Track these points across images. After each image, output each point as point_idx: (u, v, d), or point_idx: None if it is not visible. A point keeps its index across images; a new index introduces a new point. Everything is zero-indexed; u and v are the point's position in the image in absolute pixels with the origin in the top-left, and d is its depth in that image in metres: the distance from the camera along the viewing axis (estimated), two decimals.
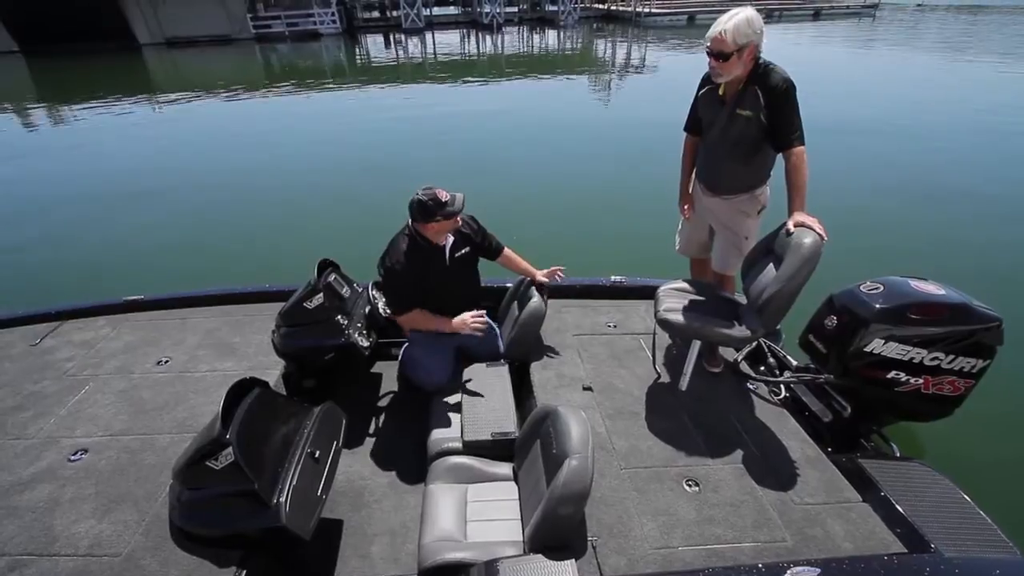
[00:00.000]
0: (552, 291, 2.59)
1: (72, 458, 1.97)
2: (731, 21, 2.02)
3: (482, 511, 1.78)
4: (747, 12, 2.04)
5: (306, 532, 1.45)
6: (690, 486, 1.93)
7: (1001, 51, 18.36)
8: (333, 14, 27.67)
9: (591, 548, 1.67)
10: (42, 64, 21.29)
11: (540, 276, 2.57)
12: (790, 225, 2.08)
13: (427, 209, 2.16)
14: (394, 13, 30.40)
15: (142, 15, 24.69)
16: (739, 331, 2.11)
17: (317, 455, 1.63)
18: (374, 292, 2.53)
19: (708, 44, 2.11)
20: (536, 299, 2.46)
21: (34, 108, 13.51)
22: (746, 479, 1.97)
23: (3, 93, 15.60)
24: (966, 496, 1.90)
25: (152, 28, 25.14)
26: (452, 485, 1.87)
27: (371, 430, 2.44)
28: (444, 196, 2.16)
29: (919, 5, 41.56)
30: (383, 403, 2.63)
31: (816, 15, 32.70)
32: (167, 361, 2.55)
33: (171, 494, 1.47)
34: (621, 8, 31.74)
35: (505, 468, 1.96)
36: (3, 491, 1.82)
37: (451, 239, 2.37)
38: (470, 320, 2.31)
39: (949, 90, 12.40)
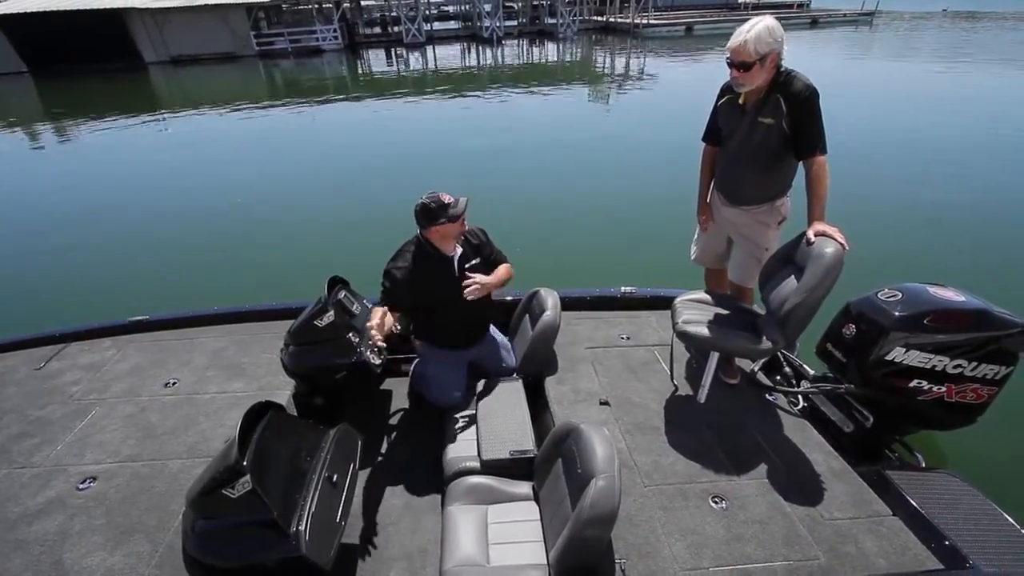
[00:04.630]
0: (564, 303, 2.56)
1: (81, 487, 1.92)
2: (752, 31, 2.00)
3: (504, 533, 1.72)
4: (767, 21, 2.02)
5: (326, 562, 1.39)
6: (716, 503, 1.88)
7: (1002, 57, 18.44)
8: (335, 30, 28.04)
9: (620, 571, 1.61)
10: (50, 84, 21.56)
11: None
12: (810, 234, 2.05)
13: (430, 212, 2.13)
14: (395, 29, 30.80)
15: (148, 35, 25.10)
16: (762, 343, 2.07)
17: (335, 479, 1.58)
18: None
19: (729, 55, 2.09)
20: (549, 312, 2.42)
21: (41, 127, 13.63)
22: (772, 494, 1.91)
23: (11, 113, 15.80)
24: (997, 507, 1.86)
25: (158, 47, 25.53)
26: (472, 506, 1.81)
27: (384, 449, 2.39)
28: (447, 199, 2.14)
29: (944, 10, 42.61)
30: (394, 421, 2.58)
31: (814, 23, 32.95)
32: (175, 383, 2.52)
33: (184, 523, 1.42)
34: (620, 20, 32.06)
35: (525, 487, 1.90)
36: (10, 523, 1.77)
37: (459, 250, 2.33)
38: (374, 332, 2.03)
39: (959, 95, 12.40)
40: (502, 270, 2.40)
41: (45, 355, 2.76)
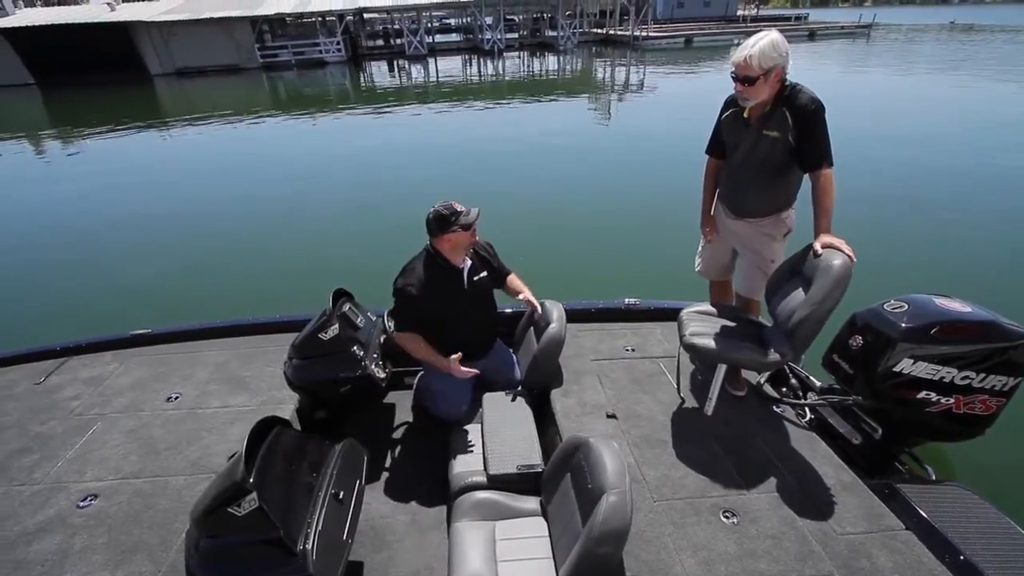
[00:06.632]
0: (568, 315, 2.55)
1: (81, 504, 1.89)
2: (756, 46, 2.01)
3: (512, 550, 1.69)
4: (772, 36, 2.03)
5: None
6: (727, 518, 1.85)
7: (999, 67, 18.59)
8: (338, 43, 28.38)
9: None
10: (56, 95, 21.80)
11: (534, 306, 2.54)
12: (817, 246, 2.04)
13: (443, 219, 2.16)
14: (398, 41, 31.21)
15: (153, 47, 25.46)
16: (770, 355, 2.06)
17: (341, 496, 1.55)
18: (389, 322, 2.49)
19: (733, 69, 2.10)
20: (555, 324, 2.40)
21: (46, 138, 13.74)
22: (784, 509, 1.89)
23: (18, 124, 15.92)
24: (1010, 520, 1.84)
25: (163, 59, 25.88)
26: (479, 523, 1.78)
27: (388, 464, 2.36)
28: (460, 207, 2.20)
29: (951, 22, 43.66)
30: (398, 435, 2.55)
31: (811, 35, 33.38)
32: (177, 397, 2.49)
33: (188, 541, 1.40)
34: (619, 32, 32.42)
35: (532, 503, 1.87)
36: (9, 543, 1.74)
37: (469, 262, 2.33)
38: (457, 368, 2.24)
39: (961, 105, 12.49)
40: (520, 282, 2.56)
41: (46, 369, 2.73)
